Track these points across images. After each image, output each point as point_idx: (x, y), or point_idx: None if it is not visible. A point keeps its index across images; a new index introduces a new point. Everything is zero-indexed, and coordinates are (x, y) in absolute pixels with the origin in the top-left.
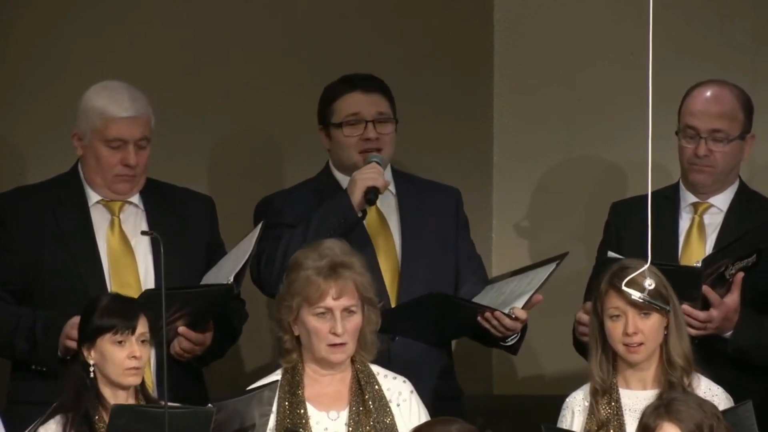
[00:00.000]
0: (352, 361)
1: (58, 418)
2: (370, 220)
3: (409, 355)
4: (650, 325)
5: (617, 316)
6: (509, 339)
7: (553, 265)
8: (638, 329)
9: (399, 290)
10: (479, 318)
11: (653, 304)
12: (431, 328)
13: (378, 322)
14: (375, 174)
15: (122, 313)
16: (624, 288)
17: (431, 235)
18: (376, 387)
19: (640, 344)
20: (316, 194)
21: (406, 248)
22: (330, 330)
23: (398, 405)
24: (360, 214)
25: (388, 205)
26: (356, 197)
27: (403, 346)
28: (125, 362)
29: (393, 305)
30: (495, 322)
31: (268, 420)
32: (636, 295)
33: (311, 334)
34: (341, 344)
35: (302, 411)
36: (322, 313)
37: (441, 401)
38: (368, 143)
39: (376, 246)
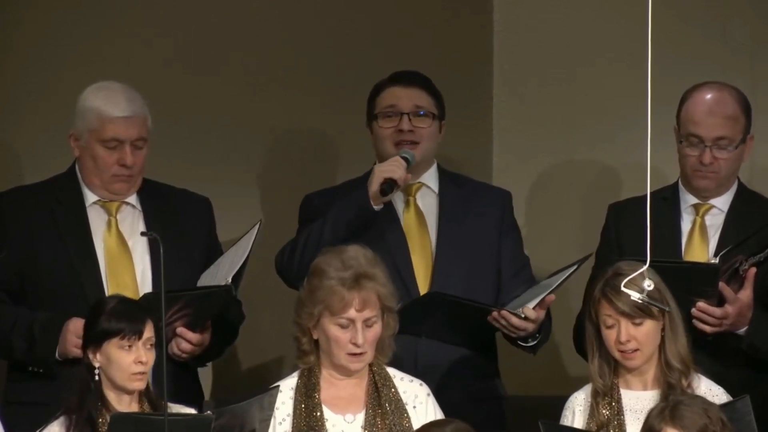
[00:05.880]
0: (369, 364)
1: (61, 419)
2: (407, 219)
3: (437, 357)
4: (644, 332)
5: (611, 324)
6: (529, 340)
7: (573, 268)
8: (631, 336)
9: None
10: (489, 318)
11: (652, 304)
12: (448, 328)
13: (396, 326)
14: (394, 166)
15: (130, 317)
16: (623, 289)
17: (470, 238)
18: (393, 390)
19: (635, 350)
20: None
21: (441, 249)
22: (350, 340)
23: (414, 407)
24: (377, 207)
25: (428, 204)
26: (373, 188)
27: (429, 347)
28: (131, 367)
29: None
30: (504, 322)
31: (268, 425)
32: (635, 296)
33: (331, 342)
34: (360, 353)
35: (318, 413)
36: (344, 324)
37: (475, 402)
38: (402, 135)
39: (411, 245)
